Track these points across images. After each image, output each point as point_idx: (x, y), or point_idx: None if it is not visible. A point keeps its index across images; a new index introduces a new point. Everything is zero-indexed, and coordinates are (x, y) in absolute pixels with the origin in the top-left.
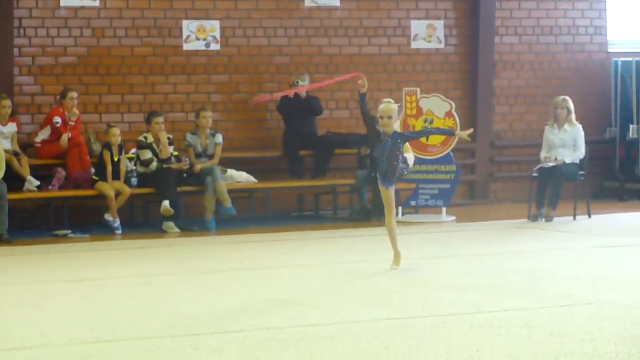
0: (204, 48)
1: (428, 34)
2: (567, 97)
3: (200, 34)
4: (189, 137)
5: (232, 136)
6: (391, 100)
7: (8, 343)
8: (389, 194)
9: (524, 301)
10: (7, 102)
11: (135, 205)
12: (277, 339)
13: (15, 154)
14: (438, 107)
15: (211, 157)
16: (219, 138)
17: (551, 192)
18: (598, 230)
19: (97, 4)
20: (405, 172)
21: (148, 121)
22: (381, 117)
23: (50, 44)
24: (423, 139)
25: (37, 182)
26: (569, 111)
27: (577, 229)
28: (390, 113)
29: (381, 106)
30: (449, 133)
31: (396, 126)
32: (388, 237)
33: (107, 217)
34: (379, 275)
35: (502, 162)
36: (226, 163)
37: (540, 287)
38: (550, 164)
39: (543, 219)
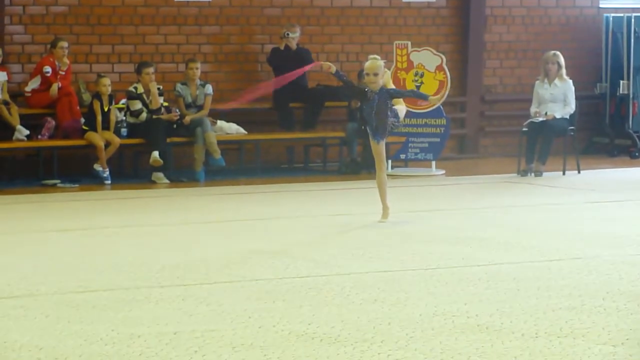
0: None
1: None
2: (558, 52)
3: None
4: (179, 88)
5: (223, 88)
6: (377, 56)
7: None
8: (379, 148)
9: (512, 255)
10: None
11: (124, 156)
12: (265, 290)
13: (5, 103)
14: (429, 61)
15: (201, 108)
16: (209, 89)
17: (541, 147)
18: (587, 186)
19: None
20: (397, 126)
21: (138, 72)
22: (367, 74)
23: None
24: None
25: (27, 132)
26: (559, 66)
27: (566, 184)
28: (377, 70)
29: (367, 63)
30: (423, 98)
31: (382, 82)
32: (377, 191)
33: (97, 167)
34: (367, 228)
35: (492, 116)
36: (216, 114)
37: (528, 241)
38: (540, 119)
39: (532, 174)
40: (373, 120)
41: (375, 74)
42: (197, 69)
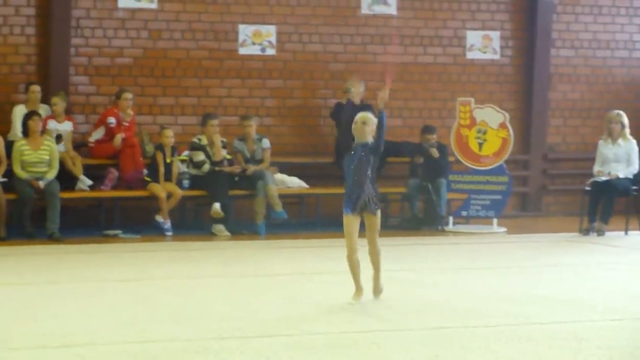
0: (259, 53)
1: (484, 44)
2: (622, 112)
3: (256, 39)
4: (236, 144)
5: (285, 141)
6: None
7: (57, 340)
8: (348, 221)
9: (574, 314)
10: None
11: (186, 208)
12: (326, 345)
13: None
14: (492, 118)
15: (259, 162)
16: (266, 143)
17: (604, 207)
18: None
19: (154, 6)
20: (376, 202)
21: (203, 123)
22: (355, 122)
23: (107, 44)
24: (476, 149)
25: (90, 182)
26: (623, 126)
27: (628, 244)
28: (365, 119)
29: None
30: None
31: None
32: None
33: (158, 218)
34: (428, 284)
35: (555, 175)
36: (279, 168)
37: (590, 300)
38: (604, 178)
39: (595, 233)
40: (351, 177)
41: (364, 123)
42: (250, 126)
